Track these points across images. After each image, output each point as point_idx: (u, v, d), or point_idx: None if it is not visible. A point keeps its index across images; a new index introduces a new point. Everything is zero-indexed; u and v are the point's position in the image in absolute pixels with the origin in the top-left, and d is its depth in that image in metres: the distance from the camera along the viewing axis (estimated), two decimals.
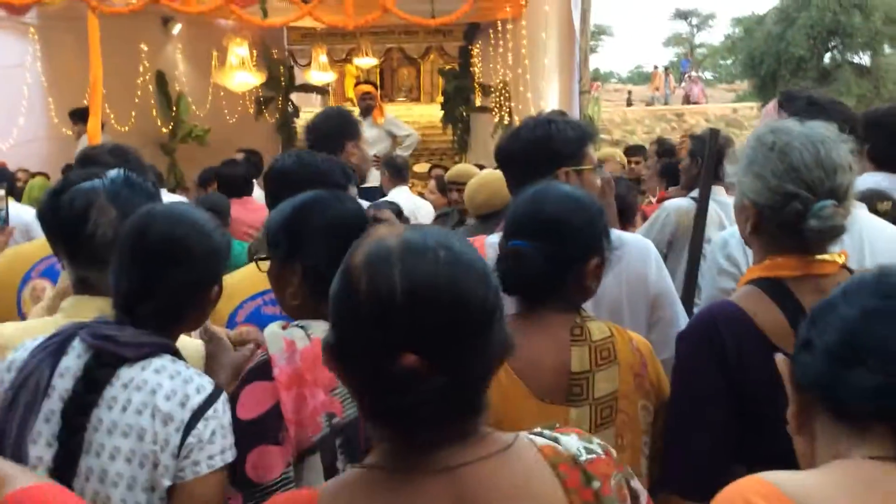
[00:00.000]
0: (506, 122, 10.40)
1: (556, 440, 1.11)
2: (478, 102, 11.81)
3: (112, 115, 9.54)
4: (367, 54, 12.05)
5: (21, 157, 8.52)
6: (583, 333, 1.67)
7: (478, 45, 12.02)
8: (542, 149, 2.20)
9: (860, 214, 2.05)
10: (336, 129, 3.19)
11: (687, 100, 27.38)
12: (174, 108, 10.91)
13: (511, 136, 2.31)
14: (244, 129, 11.62)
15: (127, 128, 9.82)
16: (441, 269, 1.01)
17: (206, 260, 1.63)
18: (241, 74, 10.26)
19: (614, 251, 1.78)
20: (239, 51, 10.20)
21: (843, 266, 1.68)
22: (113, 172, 1.88)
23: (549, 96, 8.98)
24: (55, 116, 9.20)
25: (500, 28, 10.58)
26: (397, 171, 6.45)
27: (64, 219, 1.78)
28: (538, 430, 1.15)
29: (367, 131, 8.25)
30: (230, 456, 1.53)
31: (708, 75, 44.84)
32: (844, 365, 1.03)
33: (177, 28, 10.68)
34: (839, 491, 1.00)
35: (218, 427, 1.52)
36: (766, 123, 1.82)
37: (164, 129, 10.84)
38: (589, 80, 8.11)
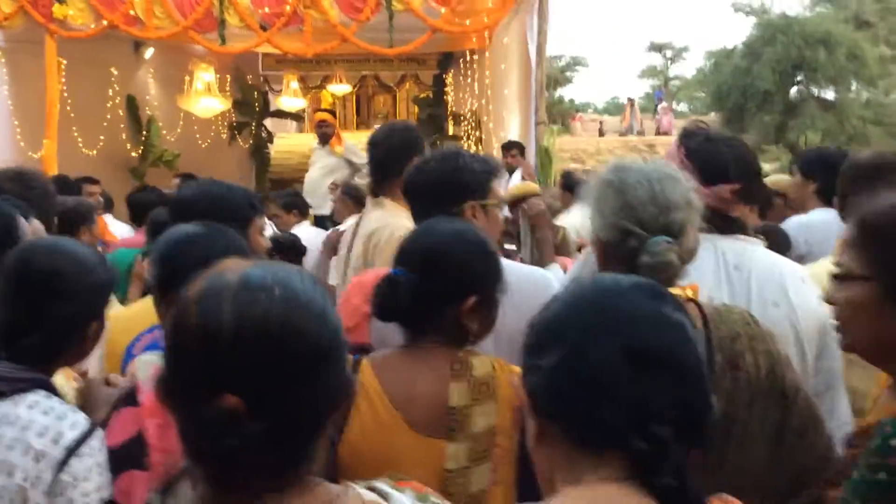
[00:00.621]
0: (472, 149, 10.28)
1: (386, 496, 1.07)
2: (450, 131, 11.87)
3: (80, 139, 9.49)
4: (341, 81, 12.03)
5: None
6: (463, 368, 1.67)
7: (450, 74, 12.00)
8: (450, 182, 2.20)
9: (754, 250, 2.06)
10: (404, 143, 3.08)
11: (658, 130, 28.04)
12: (144, 133, 10.85)
13: (419, 169, 2.30)
14: (216, 155, 11.59)
15: (95, 151, 9.75)
16: (274, 308, 0.97)
17: (86, 294, 1.62)
18: (207, 100, 10.35)
19: (513, 284, 1.76)
20: (204, 76, 10.33)
21: (691, 300, 1.67)
22: None
23: (509, 126, 9.07)
24: (21, 140, 9.04)
25: (468, 58, 10.62)
26: (357, 201, 6.18)
27: None
28: (375, 483, 1.10)
29: (325, 159, 8.59)
30: (106, 493, 1.50)
31: (683, 107, 45.40)
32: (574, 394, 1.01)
33: (148, 52, 10.64)
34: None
35: (94, 464, 1.49)
36: (610, 161, 1.85)
37: (134, 153, 10.73)
38: (545, 112, 7.95)
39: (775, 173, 6.86)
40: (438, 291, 1.68)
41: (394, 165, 2.80)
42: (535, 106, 8.04)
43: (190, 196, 2.34)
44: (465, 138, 10.92)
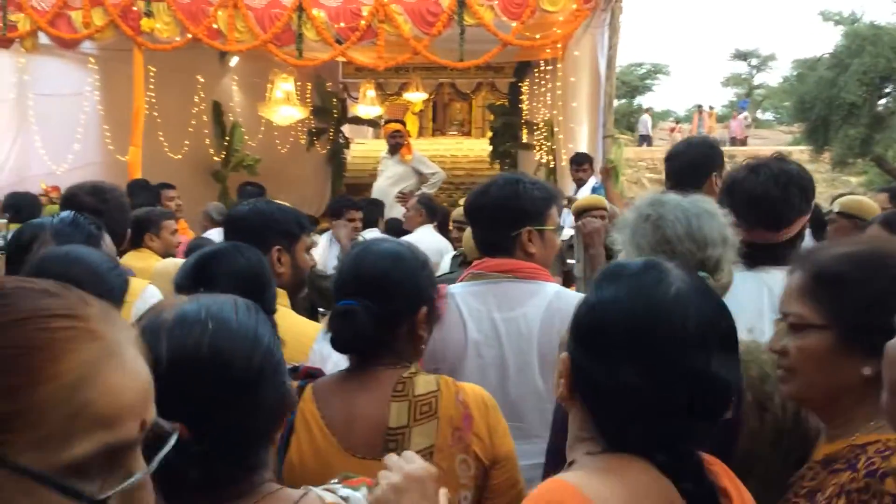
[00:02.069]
0: (545, 161, 10.32)
1: (346, 499, 1.13)
2: (525, 139, 11.63)
3: (166, 144, 9.72)
4: (417, 88, 12.03)
5: (75, 182, 8.53)
6: (405, 389, 1.69)
7: (526, 83, 11.81)
8: (509, 207, 2.28)
9: (773, 277, 2.08)
10: (702, 159, 3.02)
11: (732, 140, 26.87)
12: (227, 138, 11.00)
13: (480, 193, 2.37)
14: (295, 160, 11.72)
15: (180, 155, 9.96)
16: (205, 340, 1.07)
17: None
18: (286, 109, 10.42)
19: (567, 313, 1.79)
20: (284, 86, 10.37)
21: None
22: (64, 213, 2.06)
23: (578, 138, 8.98)
24: (110, 143, 9.36)
25: (543, 68, 10.50)
26: (431, 211, 6.37)
27: (12, 248, 1.93)
28: (335, 482, 1.17)
29: (394, 168, 8.68)
30: None
31: (769, 116, 43.95)
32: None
33: (233, 61, 10.81)
34: (625, 489, 1.10)
35: None
36: (647, 195, 1.88)
37: (217, 158, 10.92)
38: (612, 125, 7.88)
39: (861, 187, 6.57)
40: (392, 312, 1.71)
41: (690, 180, 2.78)
42: (602, 119, 7.97)
43: (242, 214, 2.45)
44: (537, 147, 10.77)
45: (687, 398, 1.10)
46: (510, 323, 2.25)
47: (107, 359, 0.74)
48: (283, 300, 2.34)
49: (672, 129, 31.31)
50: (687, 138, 3.44)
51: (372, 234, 5.81)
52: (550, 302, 2.25)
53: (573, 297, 2.23)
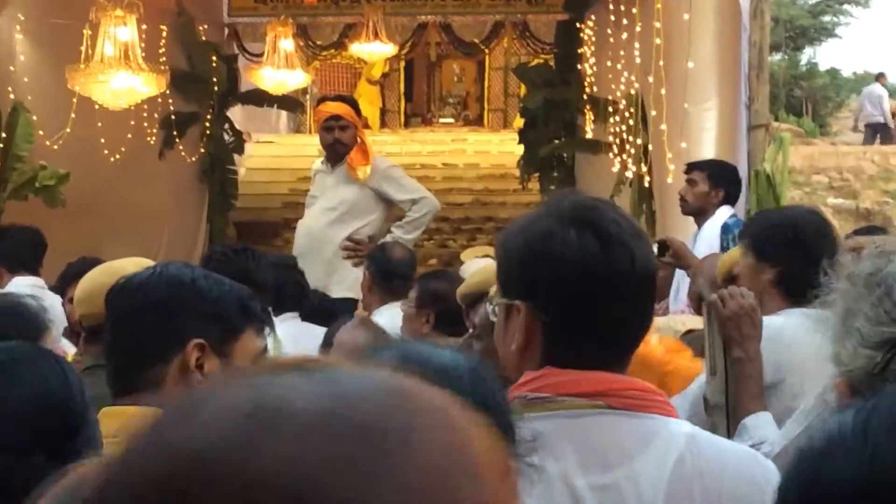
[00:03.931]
0: (629, 172, 10.72)
1: None
2: (588, 131, 12.19)
3: None
4: (378, 36, 12.53)
5: None
6: None
7: (590, 24, 12.20)
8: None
9: None
10: None
11: None
12: (2, 134, 11.11)
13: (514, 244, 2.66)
14: (137, 175, 12.26)
15: None
16: None
17: None
18: (121, 77, 10.42)
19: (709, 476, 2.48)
20: (118, 33, 10.28)
21: None
22: None
23: (697, 129, 9.32)
24: None
25: (622, 1, 10.78)
26: (387, 276, 6.75)
27: None
28: None
29: (338, 190, 9.13)
30: None
31: None
32: None
33: None
34: None
35: None
36: (867, 247, 2.64)
37: None
38: (766, 105, 8.83)
39: None
40: None
41: None
42: (746, 94, 8.73)
43: (141, 280, 2.92)
44: (615, 145, 10.94)
45: None
46: (606, 495, 2.42)
47: None
48: None
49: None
50: None
51: (288, 325, 6.30)
52: (682, 456, 2.43)
53: (728, 452, 2.56)
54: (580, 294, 2.66)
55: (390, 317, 6.34)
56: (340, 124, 8.96)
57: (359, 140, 9.06)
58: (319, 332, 6.20)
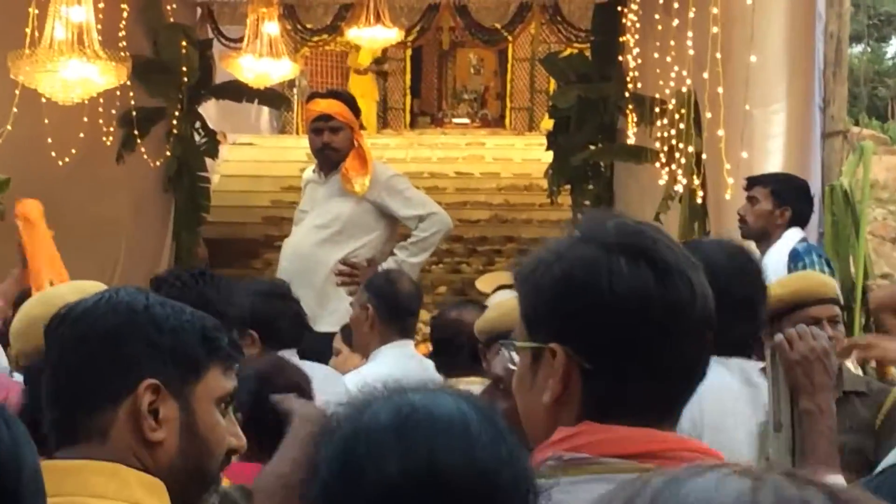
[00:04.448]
0: (679, 186, 11.14)
1: None
2: (630, 135, 12.46)
3: None
4: (378, 19, 12.81)
5: None
6: None
7: (633, 8, 12.49)
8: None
9: None
10: None
11: None
12: None
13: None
14: (91, 183, 12.76)
15: None
16: None
17: None
18: (73, 65, 10.44)
19: None
20: (70, 12, 10.21)
21: None
22: None
23: (761, 136, 9.45)
24: None
25: None
26: (394, 310, 6.79)
27: None
28: None
29: (331, 203, 9.33)
30: None
31: None
32: None
33: None
34: None
35: None
36: None
37: None
38: (844, 109, 8.73)
39: None
40: None
41: None
42: (820, 94, 8.66)
43: (84, 309, 2.94)
44: (663, 152, 11.09)
45: None
46: None
47: None
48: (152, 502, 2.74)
49: None
50: None
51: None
52: None
53: None
54: (632, 335, 2.69)
55: (396, 358, 6.45)
56: (331, 125, 8.99)
57: (356, 144, 9.07)
58: (329, 371, 6.57)
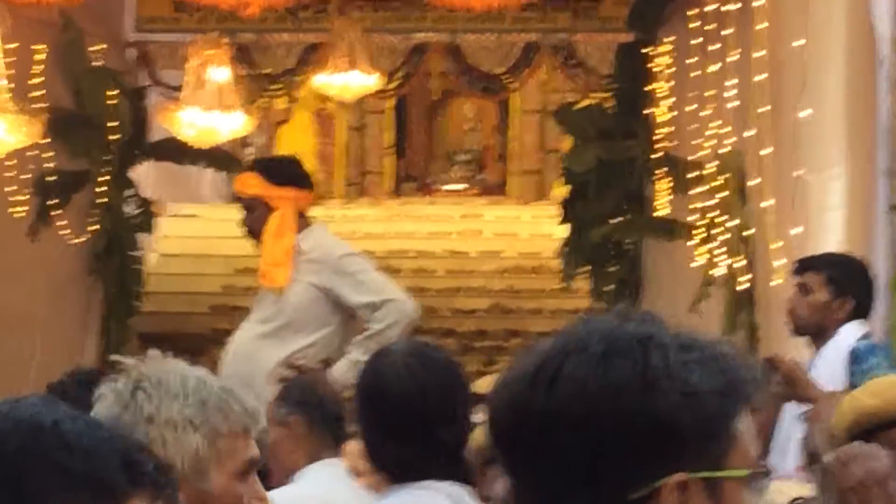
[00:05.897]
0: (720, 268, 11.43)
1: None
2: (661, 206, 12.80)
3: None
4: (353, 65, 13.18)
5: None
6: None
7: (667, 47, 13.06)
8: (628, 418, 2.49)
9: None
10: None
11: None
12: None
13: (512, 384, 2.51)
14: (3, 263, 13.18)
15: None
16: None
17: None
18: None
19: None
20: None
21: None
22: None
23: (816, 208, 9.56)
24: None
25: (713, 9, 11.40)
26: (322, 419, 7.10)
27: None
28: None
29: (273, 295, 10.00)
30: None
31: None
32: None
33: None
34: None
35: None
36: None
37: None
38: None
39: None
40: None
41: None
42: (884, 158, 8.90)
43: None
44: (701, 227, 11.46)
45: None
46: None
47: None
48: None
49: None
50: None
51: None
52: None
53: None
54: None
55: (326, 479, 6.79)
56: (244, 204, 9.58)
57: (273, 213, 9.40)
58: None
